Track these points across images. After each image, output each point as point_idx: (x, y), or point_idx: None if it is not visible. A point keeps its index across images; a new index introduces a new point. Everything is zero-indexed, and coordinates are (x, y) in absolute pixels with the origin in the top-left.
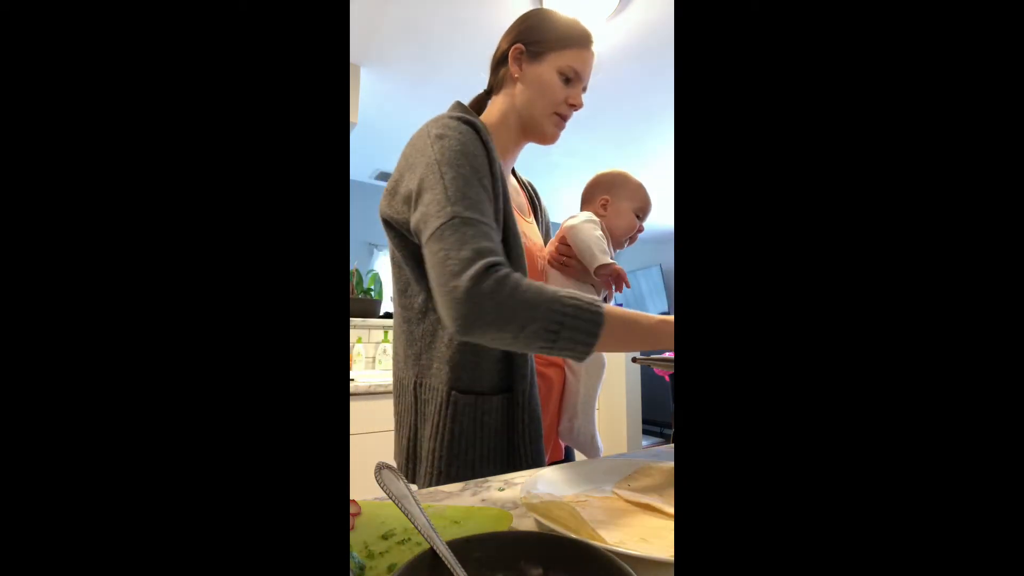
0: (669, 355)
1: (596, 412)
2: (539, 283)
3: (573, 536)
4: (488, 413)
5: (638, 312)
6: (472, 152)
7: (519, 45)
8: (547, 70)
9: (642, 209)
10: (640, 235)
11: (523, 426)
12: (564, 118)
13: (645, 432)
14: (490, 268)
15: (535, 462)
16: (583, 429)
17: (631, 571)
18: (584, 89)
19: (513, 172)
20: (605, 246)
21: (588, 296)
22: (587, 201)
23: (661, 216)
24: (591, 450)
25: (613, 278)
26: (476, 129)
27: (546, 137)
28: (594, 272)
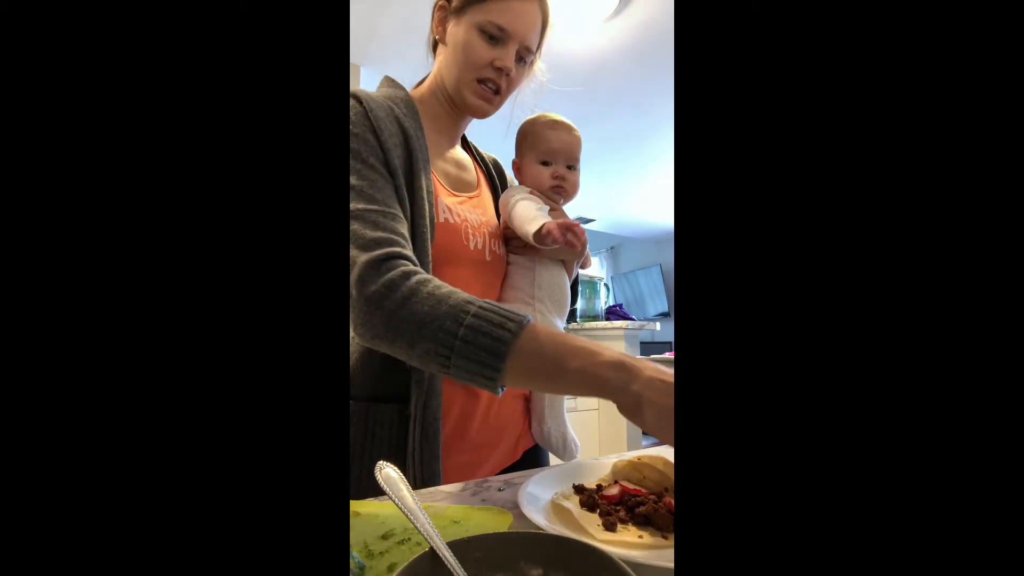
0: (669, 355)
1: (566, 411)
2: (449, 289)
3: (573, 536)
4: (380, 424)
5: (587, 343)
6: (356, 133)
7: (442, 2)
8: (465, 28)
9: (547, 151)
10: (640, 235)
11: (415, 443)
12: (489, 85)
13: (645, 432)
14: (381, 264)
15: (427, 483)
16: (553, 432)
17: (630, 571)
18: (528, 51)
19: (466, 145)
20: (532, 210)
21: (508, 311)
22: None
23: (661, 216)
24: (564, 452)
25: (558, 236)
26: (359, 100)
27: (469, 108)
28: (534, 241)
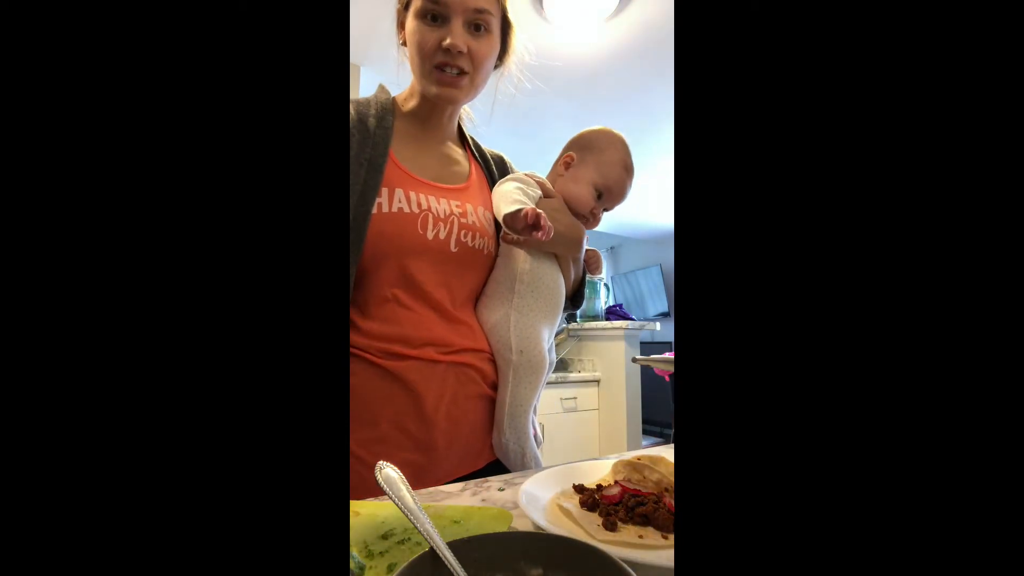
0: (669, 355)
1: (532, 424)
2: None
3: (573, 536)
4: None
5: None
6: None
7: (398, 6)
8: (411, 21)
9: (606, 187)
10: (640, 235)
11: None
12: (448, 70)
13: (645, 432)
14: None
15: None
16: (512, 445)
17: (631, 571)
18: (480, 14)
19: (462, 137)
20: (518, 194)
21: None
22: (561, 156)
23: (661, 216)
24: (521, 469)
25: (526, 225)
26: None
27: (437, 99)
28: (504, 225)
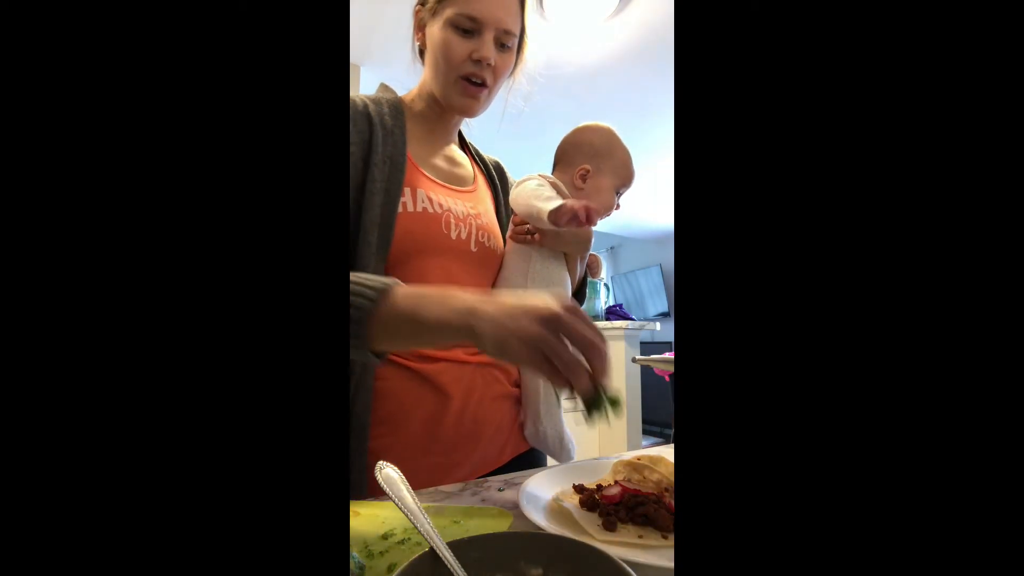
0: (669, 355)
1: (563, 411)
2: None
3: (573, 536)
4: None
5: (444, 291)
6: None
7: (418, 6)
8: (439, 27)
9: (625, 185)
10: (640, 235)
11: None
12: (474, 80)
13: (645, 432)
14: None
15: (354, 478)
16: (550, 432)
17: (631, 571)
18: (508, 34)
19: (463, 144)
20: (548, 192)
21: (371, 280)
22: (563, 163)
23: (661, 216)
24: (561, 454)
25: (573, 216)
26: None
27: (457, 108)
28: (548, 220)
